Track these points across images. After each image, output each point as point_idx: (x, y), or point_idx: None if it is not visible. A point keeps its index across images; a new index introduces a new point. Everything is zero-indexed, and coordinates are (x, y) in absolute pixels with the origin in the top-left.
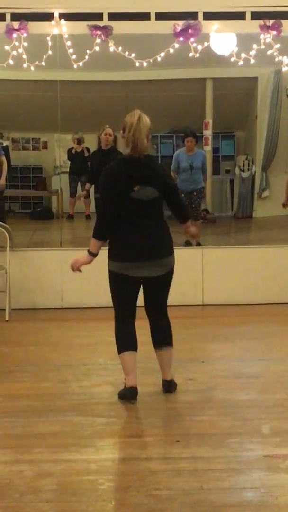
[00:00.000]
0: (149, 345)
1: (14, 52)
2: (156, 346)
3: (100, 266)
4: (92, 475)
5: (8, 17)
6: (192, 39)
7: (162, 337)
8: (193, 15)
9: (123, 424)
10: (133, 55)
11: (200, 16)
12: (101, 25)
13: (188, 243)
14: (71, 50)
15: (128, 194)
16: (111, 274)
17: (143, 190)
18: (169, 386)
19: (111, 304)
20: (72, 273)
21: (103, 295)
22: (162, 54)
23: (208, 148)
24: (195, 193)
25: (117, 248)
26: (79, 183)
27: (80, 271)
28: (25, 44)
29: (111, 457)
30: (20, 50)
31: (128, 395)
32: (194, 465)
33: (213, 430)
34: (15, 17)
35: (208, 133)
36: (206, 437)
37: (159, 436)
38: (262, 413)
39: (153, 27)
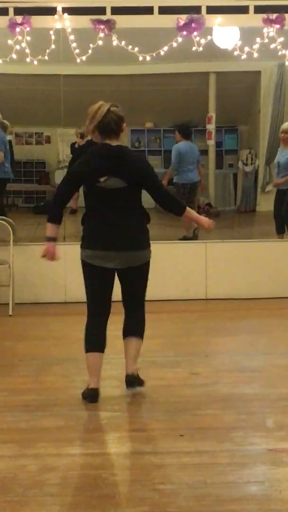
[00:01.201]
0: (152, 339)
1: (17, 47)
2: (124, 335)
3: None
4: (96, 469)
5: (11, 11)
6: (195, 33)
7: (130, 327)
8: (196, 9)
9: (127, 418)
10: (136, 49)
11: (203, 10)
12: (104, 19)
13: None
14: (74, 44)
15: (94, 184)
16: (81, 263)
17: (109, 180)
18: (130, 382)
19: (113, 298)
20: (76, 267)
21: None
22: (165, 48)
23: (212, 142)
24: (189, 186)
25: (85, 236)
26: None
27: (53, 259)
28: (28, 38)
29: (115, 451)
30: (23, 44)
31: (89, 397)
32: (198, 459)
33: (217, 424)
34: (18, 11)
35: (211, 127)
36: (210, 431)
37: (163, 430)
38: (266, 407)
39: (156, 21)
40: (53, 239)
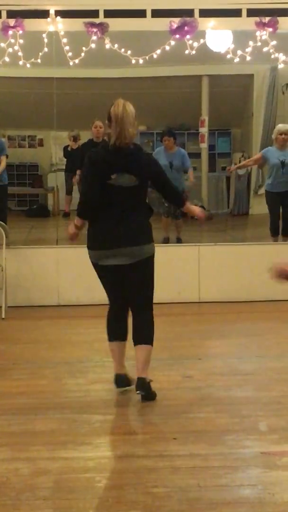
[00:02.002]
0: None
1: (10, 50)
2: (134, 343)
3: None
4: (89, 472)
5: (4, 14)
6: (188, 36)
7: (139, 334)
8: (189, 12)
9: (119, 421)
10: (129, 52)
11: (196, 13)
12: (97, 22)
13: (167, 240)
14: (67, 47)
15: (105, 181)
16: (92, 264)
17: (121, 177)
18: (141, 386)
19: (107, 302)
20: (69, 270)
21: (99, 293)
22: (158, 51)
23: (204, 145)
24: None
25: (92, 236)
26: None
27: (73, 239)
28: (21, 41)
29: (108, 454)
30: (16, 47)
31: (115, 382)
32: (191, 462)
33: (209, 427)
34: (11, 14)
35: (204, 130)
36: (203, 434)
37: (156, 433)
38: (259, 410)
39: (149, 24)
40: (79, 228)
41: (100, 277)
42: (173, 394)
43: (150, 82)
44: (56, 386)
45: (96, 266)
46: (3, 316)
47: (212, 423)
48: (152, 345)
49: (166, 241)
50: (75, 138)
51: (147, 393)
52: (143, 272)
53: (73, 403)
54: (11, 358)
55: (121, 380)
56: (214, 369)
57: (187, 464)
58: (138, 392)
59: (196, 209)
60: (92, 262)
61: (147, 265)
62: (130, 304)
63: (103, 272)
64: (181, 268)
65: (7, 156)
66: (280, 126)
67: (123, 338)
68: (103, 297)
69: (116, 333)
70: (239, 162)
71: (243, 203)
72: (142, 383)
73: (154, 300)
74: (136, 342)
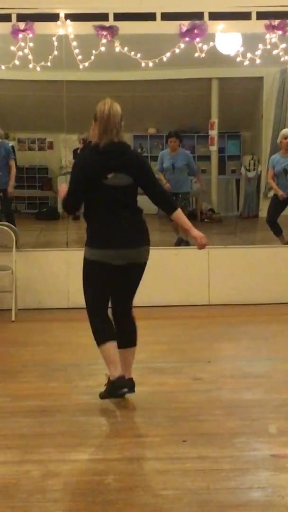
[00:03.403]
0: (154, 345)
1: (20, 53)
2: (120, 347)
3: None
4: (99, 475)
5: (14, 17)
6: (197, 39)
7: (127, 340)
8: (198, 15)
9: (129, 424)
10: (138, 55)
11: (206, 16)
12: (107, 26)
13: (180, 241)
14: (77, 51)
15: (101, 182)
16: (87, 262)
17: (116, 177)
18: (130, 386)
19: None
20: (78, 273)
21: None
22: (168, 54)
23: (214, 148)
24: (180, 195)
25: (94, 235)
26: None
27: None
28: (31, 44)
29: (117, 457)
30: (26, 51)
31: (117, 386)
32: (201, 465)
33: (219, 430)
34: (21, 17)
35: (214, 133)
36: (213, 437)
37: (166, 436)
38: (268, 413)
39: (159, 27)
40: None
41: (94, 276)
42: (182, 396)
43: (160, 85)
44: (66, 388)
45: (95, 264)
46: (13, 319)
47: (221, 425)
48: (135, 345)
49: (179, 242)
50: (85, 141)
51: (130, 389)
52: (139, 275)
53: (83, 405)
54: (21, 360)
55: (122, 383)
56: (223, 371)
57: (197, 467)
58: (131, 392)
59: (195, 231)
60: (89, 260)
61: (143, 268)
62: (117, 308)
63: (102, 271)
64: (190, 271)
65: (15, 160)
66: (285, 131)
67: (115, 337)
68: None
69: (109, 333)
70: (248, 164)
71: (252, 206)
72: (131, 384)
73: (164, 303)
74: (126, 345)
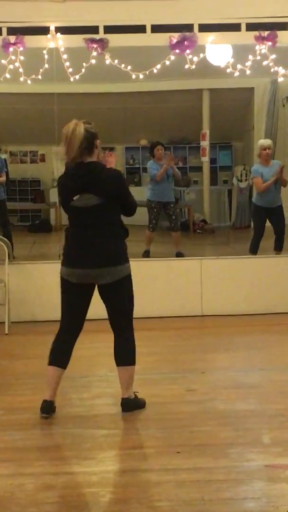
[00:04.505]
0: (148, 356)
1: (11, 66)
2: (116, 363)
3: None
4: (94, 487)
5: (4, 31)
6: (188, 51)
7: (120, 356)
8: (188, 27)
9: (123, 435)
10: (129, 67)
11: (196, 28)
12: (97, 38)
13: (180, 255)
14: (67, 63)
15: (69, 203)
16: (60, 279)
17: (82, 198)
18: (125, 405)
19: (102, 317)
20: None
21: (102, 307)
22: (158, 66)
23: (206, 159)
24: (172, 205)
25: (65, 253)
26: None
27: None
28: (22, 57)
29: (112, 469)
30: (17, 64)
31: (41, 408)
32: (195, 476)
33: (213, 441)
34: (12, 31)
35: (205, 143)
36: (207, 448)
37: (160, 447)
38: (262, 423)
39: (149, 39)
40: None
41: (66, 293)
42: (176, 407)
43: (151, 96)
44: (60, 401)
45: (63, 281)
46: (6, 332)
47: (216, 436)
48: (134, 365)
49: (146, 254)
50: None
51: (133, 408)
52: (121, 292)
53: (77, 418)
54: (15, 373)
55: (47, 408)
56: (217, 382)
57: (191, 478)
58: (125, 411)
59: None
60: (60, 277)
61: (123, 285)
62: (111, 326)
63: (68, 288)
64: (183, 282)
65: (6, 173)
66: (262, 141)
67: (64, 365)
68: (105, 311)
69: (57, 357)
70: (240, 175)
71: (245, 216)
72: (127, 403)
73: (157, 314)
74: (119, 363)
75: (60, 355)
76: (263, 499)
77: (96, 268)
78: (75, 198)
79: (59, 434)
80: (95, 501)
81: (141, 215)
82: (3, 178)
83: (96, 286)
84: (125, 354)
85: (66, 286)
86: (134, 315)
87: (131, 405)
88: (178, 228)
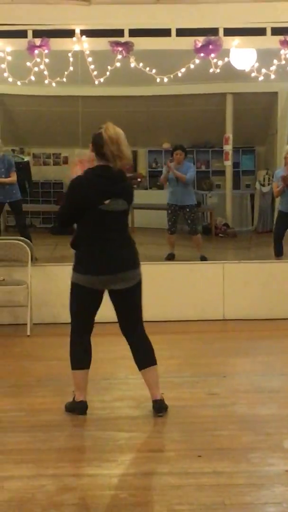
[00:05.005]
0: (169, 359)
1: (36, 69)
2: (140, 367)
3: None
4: (114, 489)
5: (30, 34)
6: (212, 55)
7: (144, 359)
8: (213, 31)
9: (144, 438)
10: (154, 70)
11: (221, 32)
12: (122, 41)
13: (171, 256)
14: (92, 66)
15: (97, 207)
16: (76, 287)
17: (114, 202)
18: (159, 407)
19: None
20: None
21: None
22: (183, 69)
23: (229, 163)
24: (187, 209)
25: (85, 261)
26: None
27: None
28: (47, 60)
29: (132, 471)
30: (42, 67)
31: (78, 409)
32: (216, 480)
33: (234, 445)
34: (37, 34)
35: (228, 147)
36: (228, 452)
37: (181, 450)
38: (283, 428)
39: (174, 43)
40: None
41: (83, 301)
42: (197, 411)
43: (175, 100)
44: None
45: (84, 289)
46: (28, 333)
47: (236, 440)
48: (156, 363)
49: (170, 257)
50: None
51: (166, 409)
52: (138, 295)
53: (98, 420)
54: (36, 375)
55: (84, 407)
56: (238, 386)
57: (212, 482)
58: (159, 415)
59: None
60: (79, 286)
61: (140, 289)
62: (126, 330)
63: (91, 296)
64: (205, 286)
65: (28, 175)
66: None
67: (89, 365)
68: None
69: (83, 360)
70: (263, 179)
71: (267, 221)
72: (161, 406)
73: (179, 318)
74: (145, 365)
75: (85, 357)
76: (284, 504)
77: (121, 272)
78: (106, 202)
79: (80, 436)
80: (115, 504)
81: (161, 218)
82: (14, 178)
83: (108, 291)
84: (149, 355)
85: (84, 293)
86: (156, 319)
87: (165, 406)
88: (196, 231)
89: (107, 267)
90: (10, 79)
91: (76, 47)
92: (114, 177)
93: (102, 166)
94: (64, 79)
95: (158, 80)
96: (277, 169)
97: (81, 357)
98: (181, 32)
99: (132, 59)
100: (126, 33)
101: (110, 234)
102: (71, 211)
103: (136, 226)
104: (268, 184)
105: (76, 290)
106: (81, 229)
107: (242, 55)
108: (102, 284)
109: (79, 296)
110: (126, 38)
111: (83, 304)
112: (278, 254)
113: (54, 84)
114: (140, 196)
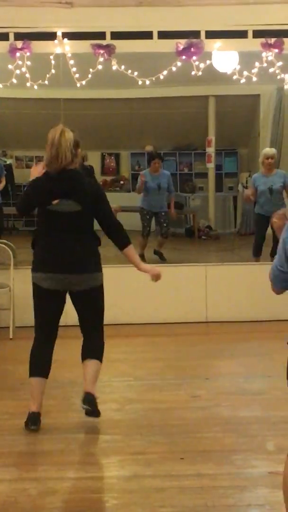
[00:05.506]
0: (152, 362)
1: (18, 71)
2: (82, 359)
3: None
4: (97, 492)
5: (11, 36)
6: (194, 57)
7: (87, 350)
8: (195, 34)
9: (127, 441)
10: (135, 73)
11: (203, 34)
12: (104, 44)
13: (158, 253)
14: (74, 69)
15: (46, 207)
16: (33, 286)
17: (63, 203)
18: (88, 398)
19: (114, 322)
20: None
21: (106, 312)
22: (165, 72)
23: (211, 165)
24: (163, 213)
25: (36, 258)
26: None
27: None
28: (28, 63)
29: (115, 474)
30: (24, 69)
31: (29, 421)
32: (199, 482)
33: (217, 447)
34: (19, 36)
35: (211, 150)
36: (211, 454)
37: (164, 453)
38: (266, 430)
39: (156, 45)
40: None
41: (39, 300)
42: (180, 413)
43: (157, 102)
44: (64, 406)
45: (35, 287)
46: (11, 336)
47: (219, 442)
48: (101, 362)
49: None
50: (83, 158)
51: (93, 409)
52: (93, 300)
53: (80, 423)
54: (19, 378)
55: (35, 419)
56: (221, 388)
57: (195, 484)
58: (84, 406)
59: (147, 269)
60: (32, 283)
61: (96, 293)
62: (81, 329)
63: (42, 295)
64: (188, 288)
65: (11, 178)
66: (267, 150)
67: (47, 374)
68: (110, 317)
69: (40, 367)
70: (246, 182)
71: (250, 223)
72: (90, 398)
73: (161, 320)
74: (85, 357)
75: (43, 365)
76: (267, 506)
77: (74, 274)
78: (54, 202)
79: (63, 439)
80: (98, 507)
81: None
82: (2, 184)
83: (69, 293)
84: (97, 349)
85: (41, 293)
86: (139, 321)
87: (93, 402)
88: (167, 235)
89: (54, 267)
90: None
91: (58, 50)
92: (64, 178)
93: (54, 168)
94: (46, 82)
95: (140, 82)
96: (256, 174)
97: (35, 364)
98: (163, 35)
99: (114, 62)
100: (108, 35)
101: (61, 235)
102: (27, 204)
103: None
104: None
105: (33, 289)
106: (37, 229)
107: (224, 57)
108: (53, 284)
109: (35, 296)
110: (108, 40)
111: (39, 304)
112: (257, 255)
113: (36, 87)
114: (122, 198)
